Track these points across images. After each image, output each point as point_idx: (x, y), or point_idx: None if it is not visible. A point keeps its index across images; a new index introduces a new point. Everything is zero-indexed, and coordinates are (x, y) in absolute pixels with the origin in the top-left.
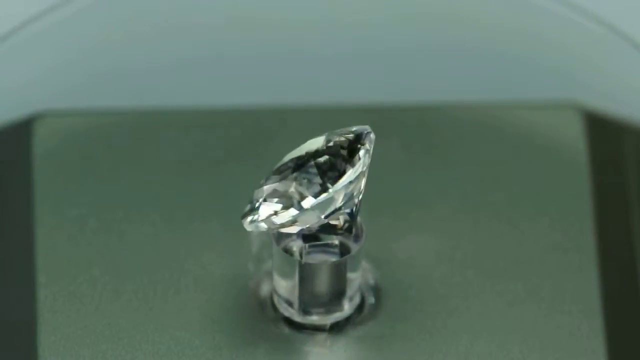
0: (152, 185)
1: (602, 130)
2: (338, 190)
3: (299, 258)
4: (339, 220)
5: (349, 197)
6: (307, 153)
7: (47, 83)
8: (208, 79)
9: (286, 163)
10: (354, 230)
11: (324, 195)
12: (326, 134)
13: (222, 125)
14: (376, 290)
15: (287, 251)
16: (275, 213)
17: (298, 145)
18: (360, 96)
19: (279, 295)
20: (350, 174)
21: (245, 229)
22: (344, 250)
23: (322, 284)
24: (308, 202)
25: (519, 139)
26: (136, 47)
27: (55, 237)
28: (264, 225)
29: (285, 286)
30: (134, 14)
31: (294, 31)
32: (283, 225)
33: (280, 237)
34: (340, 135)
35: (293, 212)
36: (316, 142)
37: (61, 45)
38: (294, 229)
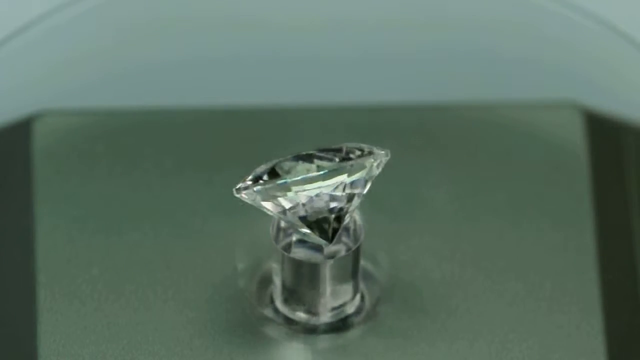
0: (152, 185)
1: (602, 130)
2: (319, 182)
3: (281, 249)
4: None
5: (336, 202)
6: (313, 149)
7: (47, 83)
8: (208, 79)
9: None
10: (334, 240)
11: (307, 177)
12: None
13: (222, 125)
14: (377, 299)
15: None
16: (254, 181)
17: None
18: (360, 96)
19: (274, 285)
20: (346, 176)
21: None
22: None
23: (300, 281)
24: (287, 177)
25: (519, 138)
26: (136, 47)
27: (55, 237)
28: (246, 190)
29: (276, 273)
30: (133, 14)
31: (294, 32)
32: (263, 199)
33: (279, 232)
34: (356, 146)
35: (271, 184)
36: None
37: (61, 45)
38: (273, 207)
